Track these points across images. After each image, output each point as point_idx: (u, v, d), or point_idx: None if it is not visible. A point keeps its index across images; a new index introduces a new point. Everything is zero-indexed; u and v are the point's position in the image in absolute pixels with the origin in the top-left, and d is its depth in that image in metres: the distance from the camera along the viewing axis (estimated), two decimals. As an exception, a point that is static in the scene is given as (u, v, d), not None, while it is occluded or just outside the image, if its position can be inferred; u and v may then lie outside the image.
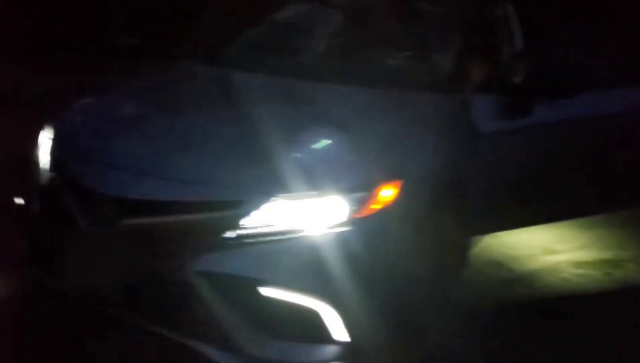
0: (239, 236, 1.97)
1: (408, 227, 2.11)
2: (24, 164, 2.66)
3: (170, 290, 2.01)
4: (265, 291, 1.93)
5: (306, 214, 1.97)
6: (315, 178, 2.02)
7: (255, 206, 1.97)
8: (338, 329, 1.97)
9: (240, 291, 1.95)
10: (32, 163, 2.56)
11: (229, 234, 1.97)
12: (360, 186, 2.02)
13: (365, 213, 2.00)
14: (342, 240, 1.96)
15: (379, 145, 2.22)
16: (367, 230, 2.00)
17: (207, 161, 2.16)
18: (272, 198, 1.97)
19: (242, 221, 1.97)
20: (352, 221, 1.97)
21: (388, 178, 2.08)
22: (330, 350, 1.99)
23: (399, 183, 2.09)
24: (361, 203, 2.00)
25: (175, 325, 2.05)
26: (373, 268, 2.00)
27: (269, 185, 2.00)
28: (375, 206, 2.02)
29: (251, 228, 1.97)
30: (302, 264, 1.95)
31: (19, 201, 2.59)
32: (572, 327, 2.66)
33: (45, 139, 2.55)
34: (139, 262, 2.08)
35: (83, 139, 2.48)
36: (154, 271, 2.04)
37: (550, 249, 3.36)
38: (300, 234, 1.96)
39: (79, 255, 2.18)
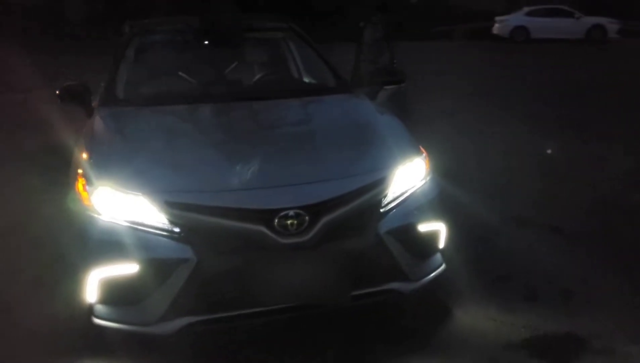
0: (392, 200, 2.82)
1: None
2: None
3: (370, 255, 2.69)
4: (417, 227, 2.87)
5: (411, 175, 2.97)
6: (407, 151, 3.02)
7: (391, 178, 2.84)
8: (442, 241, 3.07)
9: (405, 234, 2.81)
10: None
11: (387, 200, 2.80)
12: (420, 153, 3.12)
13: (428, 167, 3.12)
14: (433, 185, 3.05)
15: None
16: (433, 177, 3.13)
17: (349, 159, 2.89)
18: (395, 170, 2.88)
19: (387, 190, 2.82)
20: (428, 173, 3.08)
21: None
22: (440, 257, 3.08)
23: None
24: (425, 162, 3.11)
25: (376, 279, 2.75)
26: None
27: (392, 163, 2.89)
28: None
29: (392, 192, 2.84)
30: (428, 204, 2.94)
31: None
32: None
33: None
34: (339, 249, 2.64)
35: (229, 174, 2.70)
36: (354, 248, 2.66)
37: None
38: (416, 187, 2.95)
39: (288, 268, 2.58)
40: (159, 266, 2.53)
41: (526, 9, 21.74)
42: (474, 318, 3.08)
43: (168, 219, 2.56)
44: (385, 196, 2.80)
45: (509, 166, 5.72)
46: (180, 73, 3.97)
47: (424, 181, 3.00)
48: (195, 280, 2.52)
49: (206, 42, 4.26)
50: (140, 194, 2.60)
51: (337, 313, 2.94)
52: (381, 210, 2.77)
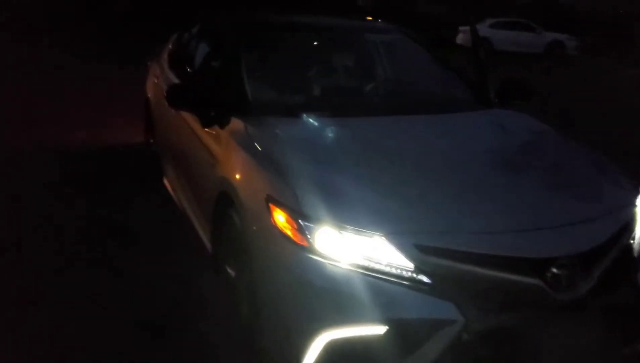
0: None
1: None
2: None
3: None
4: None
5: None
6: (632, 183, 2.61)
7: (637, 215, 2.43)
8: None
9: None
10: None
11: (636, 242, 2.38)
12: None
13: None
14: None
15: None
16: None
17: (598, 193, 2.43)
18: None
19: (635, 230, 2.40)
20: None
21: None
22: None
23: None
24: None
25: None
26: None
27: (632, 197, 2.48)
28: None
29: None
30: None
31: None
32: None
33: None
34: (614, 304, 2.19)
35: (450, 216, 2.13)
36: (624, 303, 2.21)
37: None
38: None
39: (567, 329, 2.08)
40: (414, 329, 1.99)
41: (489, 21, 22.05)
42: None
43: (416, 267, 2.02)
44: (634, 238, 2.38)
45: None
46: (308, 78, 3.38)
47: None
48: (459, 347, 1.99)
49: (318, 43, 3.69)
50: (381, 234, 2.04)
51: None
52: (635, 255, 2.35)
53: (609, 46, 22.02)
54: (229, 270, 2.70)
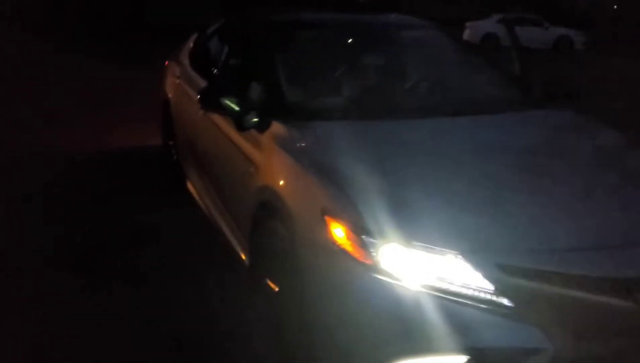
0: None
1: None
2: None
3: None
4: None
5: None
6: None
7: None
8: None
9: None
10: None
11: None
12: None
13: None
14: None
15: None
16: None
17: None
18: None
19: None
20: None
21: None
22: None
23: None
24: None
25: None
26: None
27: None
28: None
29: None
30: None
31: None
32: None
33: None
34: None
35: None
36: None
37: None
38: None
39: None
40: (497, 358, 1.79)
41: (496, 17, 21.80)
42: None
43: (497, 288, 1.81)
44: None
45: None
46: (348, 79, 3.14)
47: None
48: None
49: (354, 42, 3.47)
50: (457, 252, 1.83)
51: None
52: None
53: (612, 42, 21.84)
54: (271, 285, 2.50)
